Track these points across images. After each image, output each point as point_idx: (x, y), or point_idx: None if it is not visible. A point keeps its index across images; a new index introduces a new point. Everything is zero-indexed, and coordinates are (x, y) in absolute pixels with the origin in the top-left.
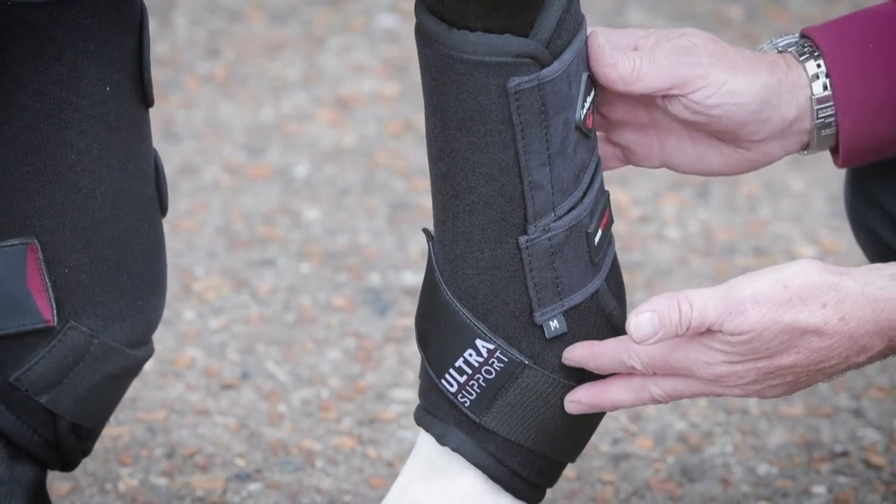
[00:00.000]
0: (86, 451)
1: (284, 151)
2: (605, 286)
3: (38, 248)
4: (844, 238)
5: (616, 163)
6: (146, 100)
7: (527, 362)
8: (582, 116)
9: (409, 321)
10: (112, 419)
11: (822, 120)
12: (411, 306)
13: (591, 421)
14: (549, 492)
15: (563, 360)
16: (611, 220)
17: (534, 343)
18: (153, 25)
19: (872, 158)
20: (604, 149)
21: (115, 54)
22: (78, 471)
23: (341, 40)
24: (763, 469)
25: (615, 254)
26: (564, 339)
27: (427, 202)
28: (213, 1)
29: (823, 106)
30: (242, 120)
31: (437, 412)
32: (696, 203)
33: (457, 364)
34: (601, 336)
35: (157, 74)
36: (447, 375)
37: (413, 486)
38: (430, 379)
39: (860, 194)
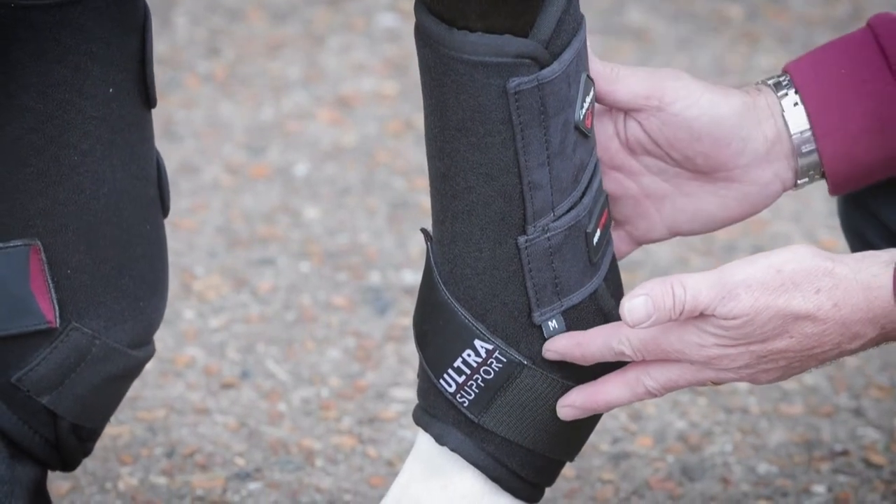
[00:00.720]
0: (86, 452)
1: (285, 151)
2: (603, 286)
3: (41, 249)
4: (844, 238)
5: (627, 246)
6: (149, 101)
7: (525, 362)
8: (581, 116)
9: (409, 320)
10: (112, 418)
11: (805, 148)
12: (411, 305)
13: (589, 420)
14: (548, 491)
15: (544, 352)
16: (609, 220)
17: (532, 343)
18: (153, 25)
19: (864, 183)
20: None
21: (118, 56)
22: (78, 470)
23: (341, 39)
24: (763, 468)
25: (614, 253)
26: None
27: (427, 201)
28: (214, 0)
29: (803, 131)
30: (243, 119)
31: (435, 412)
32: None
33: (455, 364)
34: None
35: (158, 74)
36: (445, 375)
37: (413, 485)
38: (429, 379)
39: (853, 202)
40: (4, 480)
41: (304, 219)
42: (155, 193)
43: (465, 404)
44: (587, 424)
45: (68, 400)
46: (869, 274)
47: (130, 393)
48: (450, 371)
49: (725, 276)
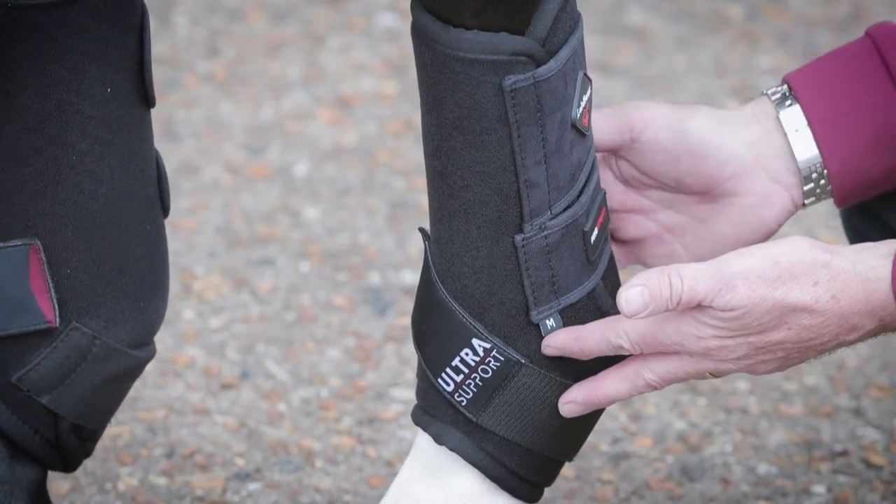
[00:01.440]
0: (87, 452)
1: (284, 150)
2: (601, 285)
3: (41, 248)
4: (844, 238)
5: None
6: (147, 100)
7: (523, 361)
8: (578, 115)
9: (409, 320)
10: (112, 418)
11: (812, 164)
12: (411, 306)
13: (588, 419)
14: (548, 491)
15: (544, 348)
16: (607, 219)
17: (530, 342)
18: (153, 24)
19: (870, 195)
20: None
21: (115, 55)
22: (78, 470)
23: (341, 39)
24: (763, 468)
25: (611, 252)
26: None
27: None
28: (214, 0)
29: (808, 144)
30: (242, 119)
31: (434, 411)
32: None
33: (453, 363)
34: None
35: (157, 74)
36: (444, 375)
37: (412, 485)
38: (427, 378)
39: (856, 204)
40: (4, 480)
41: (304, 219)
42: (155, 193)
43: (464, 403)
44: (586, 424)
45: (69, 400)
46: (867, 266)
47: (130, 393)
48: (448, 370)
49: (723, 266)
